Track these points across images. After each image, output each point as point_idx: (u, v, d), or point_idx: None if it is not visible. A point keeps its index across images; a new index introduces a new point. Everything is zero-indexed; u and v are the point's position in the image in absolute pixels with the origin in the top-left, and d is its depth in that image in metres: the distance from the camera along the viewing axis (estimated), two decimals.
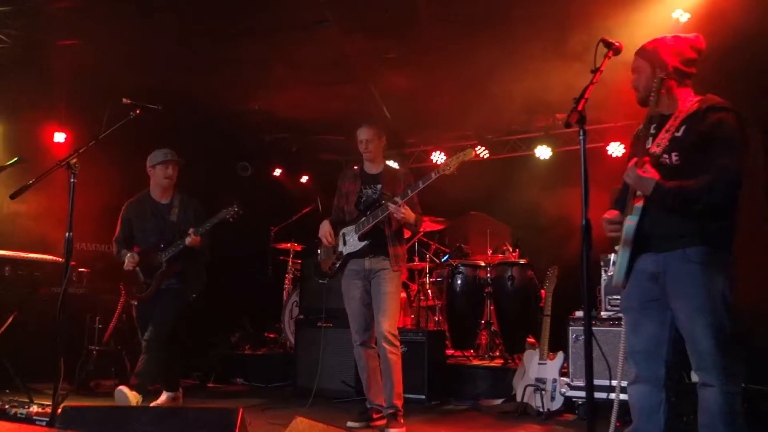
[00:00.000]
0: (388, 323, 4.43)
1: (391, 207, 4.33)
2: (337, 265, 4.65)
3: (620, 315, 4.91)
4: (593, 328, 4.76)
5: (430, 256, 7.28)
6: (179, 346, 5.14)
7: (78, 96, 6.88)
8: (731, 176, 2.71)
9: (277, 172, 9.54)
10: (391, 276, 4.51)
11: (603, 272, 5.25)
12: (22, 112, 6.83)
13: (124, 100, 3.96)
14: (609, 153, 7.42)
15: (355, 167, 4.87)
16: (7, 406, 4.02)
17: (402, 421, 4.40)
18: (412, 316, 7.05)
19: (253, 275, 8.32)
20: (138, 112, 3.98)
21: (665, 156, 2.81)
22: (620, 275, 2.92)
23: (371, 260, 4.54)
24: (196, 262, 4.95)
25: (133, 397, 4.47)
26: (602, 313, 5.15)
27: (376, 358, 4.60)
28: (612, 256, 5.24)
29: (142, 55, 6.37)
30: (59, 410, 3.14)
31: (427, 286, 7.15)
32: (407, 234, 4.82)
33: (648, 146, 2.84)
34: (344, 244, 4.62)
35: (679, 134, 2.81)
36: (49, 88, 6.79)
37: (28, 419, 3.81)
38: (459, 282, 6.72)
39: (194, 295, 4.96)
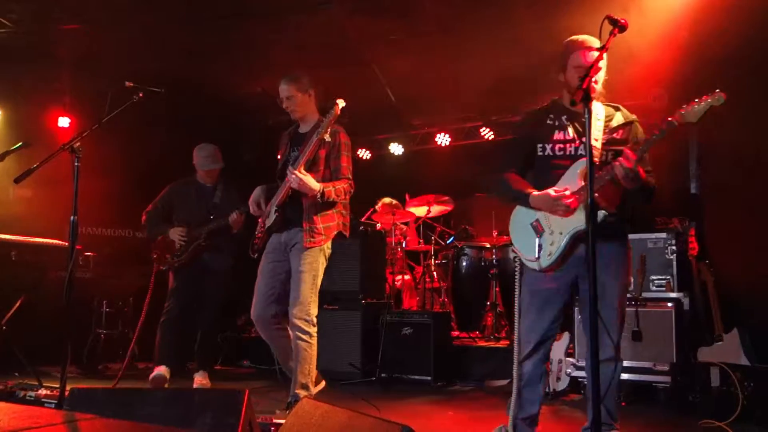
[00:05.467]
0: (297, 308, 3.91)
1: (289, 175, 3.82)
2: (264, 241, 4.20)
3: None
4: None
5: (435, 238, 7.27)
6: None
7: (82, 80, 6.87)
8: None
9: None
10: (305, 254, 3.94)
11: None
12: (27, 97, 6.85)
13: (127, 83, 3.95)
14: None
15: (291, 129, 4.31)
16: (16, 389, 4.07)
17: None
18: (418, 298, 7.06)
19: (257, 258, 8.31)
20: (141, 95, 3.96)
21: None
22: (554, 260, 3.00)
23: (287, 233, 4.05)
24: (230, 238, 5.28)
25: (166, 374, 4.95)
26: None
27: (279, 337, 4.09)
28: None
29: (145, 38, 6.35)
30: (67, 392, 3.16)
31: (433, 268, 7.14)
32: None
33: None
34: (268, 216, 4.12)
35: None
36: (54, 72, 6.79)
37: (37, 401, 3.86)
38: (464, 264, 6.73)
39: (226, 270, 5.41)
